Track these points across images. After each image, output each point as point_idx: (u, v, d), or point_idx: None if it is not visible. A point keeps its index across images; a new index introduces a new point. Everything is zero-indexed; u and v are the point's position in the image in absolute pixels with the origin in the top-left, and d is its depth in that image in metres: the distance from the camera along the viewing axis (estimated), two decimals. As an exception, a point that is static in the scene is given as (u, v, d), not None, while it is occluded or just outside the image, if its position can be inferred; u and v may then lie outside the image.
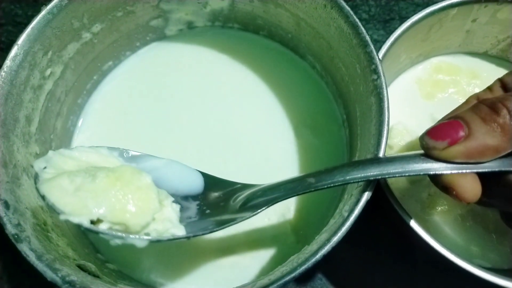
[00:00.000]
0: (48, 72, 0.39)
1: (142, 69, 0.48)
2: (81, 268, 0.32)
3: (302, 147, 0.44)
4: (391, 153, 0.44)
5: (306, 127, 0.45)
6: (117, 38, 0.45)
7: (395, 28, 0.43)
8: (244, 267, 0.39)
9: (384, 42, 0.43)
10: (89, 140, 0.45)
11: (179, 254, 0.40)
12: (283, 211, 0.41)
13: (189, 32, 0.49)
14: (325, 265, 0.45)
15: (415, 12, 0.57)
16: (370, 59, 0.34)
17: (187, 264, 0.39)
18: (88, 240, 0.40)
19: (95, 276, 0.32)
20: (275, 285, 0.28)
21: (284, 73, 0.47)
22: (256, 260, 0.40)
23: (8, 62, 0.35)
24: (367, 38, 0.34)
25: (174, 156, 0.43)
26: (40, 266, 0.29)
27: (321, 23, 0.39)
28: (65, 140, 0.44)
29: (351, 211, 0.30)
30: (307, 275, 0.45)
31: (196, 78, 0.48)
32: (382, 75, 0.33)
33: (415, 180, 0.42)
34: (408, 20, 0.44)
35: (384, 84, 0.33)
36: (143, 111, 0.46)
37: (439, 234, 0.41)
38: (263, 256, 0.40)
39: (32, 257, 0.30)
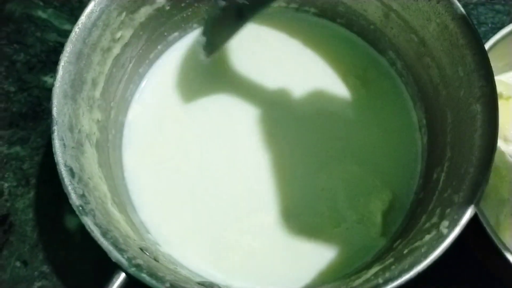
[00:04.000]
0: (118, 34, 0.36)
1: (206, 44, 0.45)
2: (143, 251, 0.29)
3: (370, 145, 0.41)
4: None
5: (376, 126, 0.42)
6: (188, 8, 0.42)
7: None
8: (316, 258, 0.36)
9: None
10: (145, 110, 0.43)
11: (237, 239, 0.38)
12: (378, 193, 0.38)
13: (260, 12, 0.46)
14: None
15: (494, 18, 0.54)
16: (480, 63, 0.31)
17: (244, 257, 0.37)
18: (139, 218, 0.38)
19: (156, 260, 0.30)
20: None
21: (358, 67, 0.44)
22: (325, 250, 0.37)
23: (83, 19, 0.33)
24: (481, 40, 0.31)
25: (230, 132, 0.41)
26: (105, 244, 0.27)
27: (418, 17, 0.36)
28: (122, 109, 0.41)
29: (451, 228, 0.27)
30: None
31: (260, 62, 0.45)
32: (493, 82, 0.30)
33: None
34: (503, 29, 0.41)
35: (495, 91, 0.30)
36: (202, 87, 0.43)
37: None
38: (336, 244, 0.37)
39: (96, 233, 0.27)
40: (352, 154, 0.40)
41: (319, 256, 0.36)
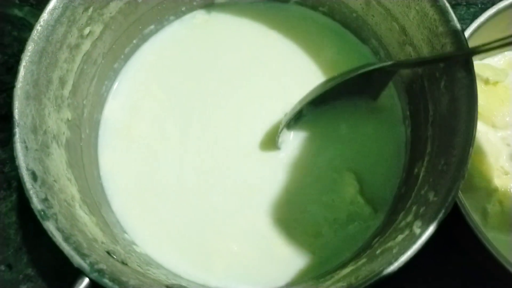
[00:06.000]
0: (87, 30, 0.35)
1: (184, 37, 0.44)
2: (110, 254, 0.29)
3: (353, 139, 0.40)
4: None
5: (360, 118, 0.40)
6: (163, 0, 0.41)
7: (461, 15, 0.38)
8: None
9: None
10: (122, 107, 0.42)
11: (217, 239, 0.37)
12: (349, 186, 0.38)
13: (240, 2, 0.44)
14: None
15: (483, -2, 0.51)
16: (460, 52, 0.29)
17: (224, 253, 0.36)
18: (116, 218, 0.37)
19: (124, 263, 0.29)
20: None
21: (341, 57, 0.42)
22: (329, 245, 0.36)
23: (45, 16, 0.32)
24: (458, 27, 0.29)
25: (210, 129, 0.40)
26: (67, 249, 0.26)
27: (398, 4, 0.34)
28: (97, 106, 0.40)
29: (424, 228, 0.26)
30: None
31: (239, 53, 0.43)
32: (473, 72, 0.29)
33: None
34: (490, 9, 0.39)
35: (474, 83, 0.28)
36: (180, 81, 0.42)
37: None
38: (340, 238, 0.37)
39: (58, 238, 0.27)
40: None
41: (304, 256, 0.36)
